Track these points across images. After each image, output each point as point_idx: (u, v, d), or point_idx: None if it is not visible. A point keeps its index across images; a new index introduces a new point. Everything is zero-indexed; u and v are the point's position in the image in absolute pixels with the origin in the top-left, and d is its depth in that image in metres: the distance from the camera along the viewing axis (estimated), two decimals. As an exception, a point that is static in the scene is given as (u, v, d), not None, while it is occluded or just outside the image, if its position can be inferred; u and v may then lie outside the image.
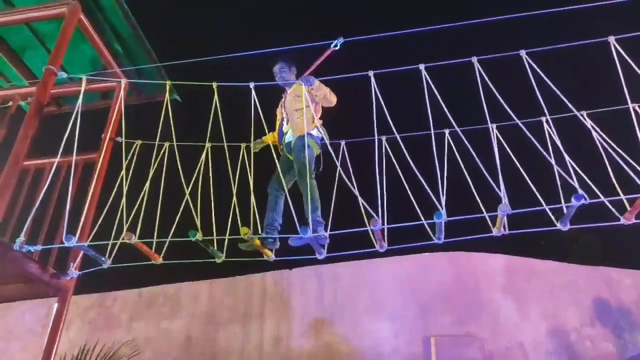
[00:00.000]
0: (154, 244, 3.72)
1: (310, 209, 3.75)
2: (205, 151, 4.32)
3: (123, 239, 3.51)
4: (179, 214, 3.81)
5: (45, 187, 3.86)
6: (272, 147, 4.45)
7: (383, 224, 3.17)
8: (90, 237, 3.70)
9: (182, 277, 7.58)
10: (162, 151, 4.30)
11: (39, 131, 3.87)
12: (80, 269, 4.01)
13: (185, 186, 3.79)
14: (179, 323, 7.33)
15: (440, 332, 6.47)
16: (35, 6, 4.41)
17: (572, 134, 3.80)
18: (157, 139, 4.21)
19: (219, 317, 7.26)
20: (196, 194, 3.85)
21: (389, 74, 3.68)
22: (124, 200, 3.76)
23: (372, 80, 3.61)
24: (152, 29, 5.09)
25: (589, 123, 3.65)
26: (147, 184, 4.01)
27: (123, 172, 4.02)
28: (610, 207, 3.11)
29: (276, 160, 4.16)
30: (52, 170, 3.83)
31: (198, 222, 3.61)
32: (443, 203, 3.11)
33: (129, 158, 4.21)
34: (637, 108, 3.44)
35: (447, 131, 4.06)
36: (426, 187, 3.14)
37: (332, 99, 4.15)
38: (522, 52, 3.55)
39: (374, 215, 3.13)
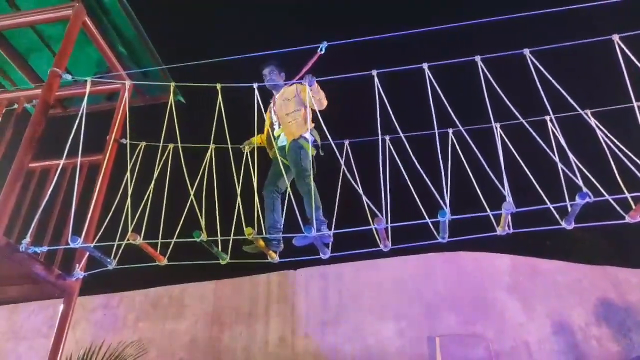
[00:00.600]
0: (159, 244, 3.74)
1: (312, 209, 3.76)
2: (209, 152, 4.34)
3: (128, 239, 3.53)
4: (184, 215, 3.83)
5: (51, 188, 3.89)
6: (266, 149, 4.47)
7: (387, 223, 3.17)
8: (96, 238, 3.72)
9: (187, 277, 7.60)
10: (167, 152, 4.32)
11: (44, 133, 3.89)
12: (85, 270, 4.03)
13: (190, 187, 3.80)
14: (184, 323, 7.35)
15: (445, 332, 6.46)
16: (41, 9, 4.44)
17: (577, 132, 3.79)
18: (162, 140, 4.23)
19: (224, 317, 7.27)
20: (200, 195, 3.86)
21: (392, 73, 3.68)
22: (128, 201, 3.78)
23: (376, 79, 3.61)
24: (156, 30, 5.11)
25: (593, 121, 3.64)
26: (152, 185, 4.03)
27: (128, 173, 4.04)
28: (615, 205, 3.09)
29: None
30: (58, 172, 3.86)
31: (203, 223, 3.62)
32: (447, 202, 3.11)
33: (133, 159, 4.23)
34: (641, 106, 3.43)
35: (450, 130, 4.06)
36: (430, 185, 3.14)
37: (324, 103, 4.15)
38: (526, 51, 3.54)
39: (378, 214, 3.13)
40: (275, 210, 4.17)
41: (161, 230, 3.77)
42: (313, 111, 4.23)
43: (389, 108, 3.52)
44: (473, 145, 3.43)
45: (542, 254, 7.29)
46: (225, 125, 3.92)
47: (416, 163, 3.34)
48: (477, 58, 3.60)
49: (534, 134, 3.38)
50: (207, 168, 4.05)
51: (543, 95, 3.41)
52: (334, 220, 3.65)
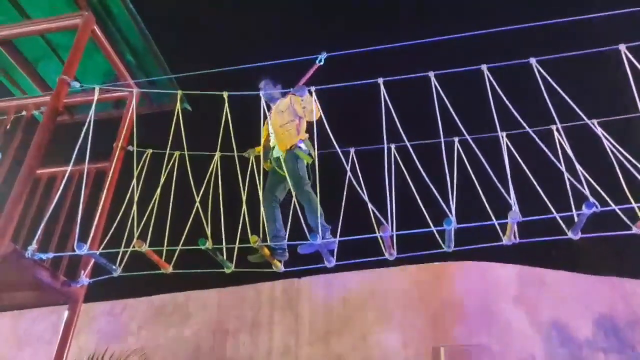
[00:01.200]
0: (164, 252, 3.74)
1: (316, 216, 3.76)
2: (214, 161, 4.35)
3: (134, 247, 3.54)
4: (189, 222, 3.84)
5: (58, 195, 3.91)
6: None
7: (392, 231, 3.16)
8: (102, 245, 3.73)
9: (191, 285, 7.59)
10: (173, 160, 4.34)
11: (52, 140, 3.92)
12: (90, 276, 4.03)
13: (195, 195, 3.81)
14: (188, 331, 7.33)
15: (450, 342, 6.41)
16: (50, 18, 4.49)
17: (583, 142, 3.78)
18: (168, 148, 4.25)
19: (227, 325, 7.25)
20: (206, 203, 3.87)
21: (398, 82, 3.69)
22: (134, 208, 3.79)
23: (382, 87, 3.62)
24: (164, 39, 5.16)
25: (599, 131, 3.63)
26: (158, 192, 4.05)
27: (134, 180, 4.06)
28: (622, 215, 3.07)
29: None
30: (65, 179, 3.88)
31: (208, 231, 3.62)
32: (453, 211, 3.10)
33: (140, 167, 4.25)
34: (648, 116, 3.42)
35: (456, 139, 4.06)
36: (436, 194, 3.13)
37: (317, 114, 4.16)
38: (532, 60, 3.54)
39: (384, 221, 3.12)
40: (276, 219, 4.18)
41: (166, 237, 3.78)
42: (307, 122, 4.25)
43: (395, 116, 3.52)
44: (479, 154, 3.42)
45: (548, 265, 7.24)
46: (232, 133, 3.94)
47: (422, 172, 3.34)
48: (484, 67, 3.60)
49: (540, 143, 3.37)
50: (213, 176, 4.06)
51: (550, 105, 3.41)
52: (339, 228, 3.63)
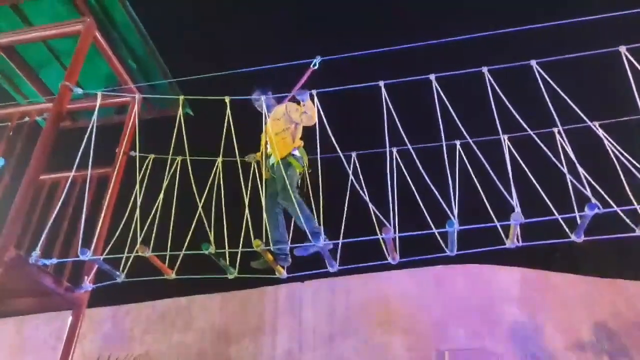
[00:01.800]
0: (167, 257, 3.75)
1: (304, 223, 3.78)
2: (216, 166, 4.36)
3: (137, 252, 3.54)
4: (192, 227, 3.84)
5: (61, 201, 3.92)
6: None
7: (395, 233, 3.16)
8: (106, 251, 3.74)
9: (194, 290, 7.59)
10: (175, 165, 4.35)
11: (54, 146, 3.93)
12: (94, 282, 4.04)
13: (198, 200, 3.81)
14: (191, 336, 7.32)
15: (454, 346, 6.39)
16: (52, 24, 4.51)
17: (585, 144, 3.78)
18: (170, 153, 4.26)
19: (231, 330, 7.24)
20: (208, 208, 3.88)
21: (400, 85, 3.70)
22: (137, 213, 3.80)
23: (383, 90, 3.63)
24: (166, 44, 5.18)
25: (601, 133, 3.63)
26: (160, 197, 4.05)
27: (137, 186, 4.07)
28: (624, 217, 3.07)
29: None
30: (67, 185, 3.89)
31: (211, 236, 3.63)
32: (455, 213, 3.10)
33: (142, 172, 4.26)
34: (650, 118, 3.42)
35: (458, 142, 4.06)
36: (438, 196, 3.13)
37: (314, 119, 4.17)
38: (533, 62, 3.54)
39: (386, 223, 3.12)
40: (279, 226, 4.18)
41: (169, 242, 3.78)
42: (305, 128, 4.27)
43: (396, 119, 3.53)
44: (482, 157, 3.42)
45: (552, 267, 7.22)
46: (234, 138, 3.94)
47: (424, 175, 3.34)
48: (485, 69, 3.61)
49: (542, 146, 3.37)
50: (216, 181, 4.06)
51: (551, 107, 3.41)
52: (342, 232, 3.63)
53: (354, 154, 4.38)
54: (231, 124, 3.95)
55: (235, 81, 4.36)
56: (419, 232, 3.21)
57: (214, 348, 7.15)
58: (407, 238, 3.29)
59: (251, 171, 4.34)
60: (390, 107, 3.55)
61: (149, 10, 4.96)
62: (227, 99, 4.02)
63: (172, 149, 4.19)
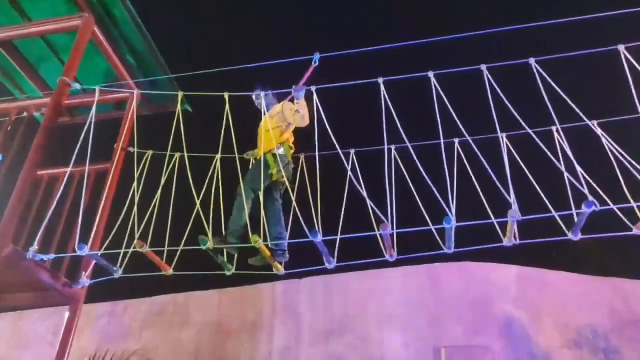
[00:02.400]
0: (165, 253, 3.75)
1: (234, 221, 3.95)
2: (215, 162, 4.36)
3: (134, 248, 3.54)
4: (190, 223, 3.84)
5: (58, 196, 3.91)
6: None
7: (392, 229, 3.16)
8: (103, 247, 3.73)
9: (192, 286, 7.60)
10: (173, 161, 4.35)
11: (52, 141, 3.93)
12: (91, 277, 4.04)
13: (196, 196, 3.81)
14: (188, 332, 7.33)
15: (451, 343, 6.41)
16: (50, 19, 4.50)
17: (583, 142, 3.79)
18: (169, 149, 4.26)
19: (228, 326, 7.25)
20: (206, 204, 3.87)
21: (398, 81, 3.69)
22: (135, 209, 3.80)
23: (382, 86, 3.62)
24: (164, 40, 5.17)
25: (599, 131, 3.63)
26: (158, 193, 4.05)
27: (135, 181, 4.07)
28: (621, 216, 3.08)
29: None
30: (65, 180, 3.89)
31: (210, 233, 3.62)
32: (453, 210, 3.10)
33: (140, 168, 4.25)
34: (647, 116, 3.42)
35: (456, 140, 4.06)
36: (436, 193, 3.13)
37: (306, 119, 4.18)
38: (532, 60, 3.54)
39: (384, 219, 3.12)
40: (277, 222, 4.18)
41: (167, 238, 3.78)
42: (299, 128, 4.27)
43: (395, 116, 3.52)
44: (480, 155, 3.42)
45: (549, 265, 7.24)
46: (233, 134, 3.94)
47: (423, 172, 3.34)
48: (483, 67, 3.60)
49: (540, 144, 3.37)
50: (215, 177, 4.06)
51: (549, 105, 3.41)
52: (339, 229, 3.63)
53: (352, 151, 4.38)
54: (230, 120, 3.94)
55: (234, 77, 4.35)
56: (417, 228, 3.21)
57: (211, 344, 7.16)
58: (405, 235, 3.29)
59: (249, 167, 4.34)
60: (389, 104, 3.55)
61: (147, 6, 4.95)
62: (225, 95, 4.02)
63: (170, 145, 4.18)
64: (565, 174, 3.28)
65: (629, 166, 3.30)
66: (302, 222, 3.29)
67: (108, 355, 5.19)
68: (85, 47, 4.35)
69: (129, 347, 6.32)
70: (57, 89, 4.12)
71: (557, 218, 3.12)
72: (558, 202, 3.25)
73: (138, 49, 4.97)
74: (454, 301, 6.75)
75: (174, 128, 4.03)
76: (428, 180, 3.26)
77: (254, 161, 4.55)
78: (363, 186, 3.52)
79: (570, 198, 3.23)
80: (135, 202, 3.87)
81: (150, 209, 3.93)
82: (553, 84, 3.41)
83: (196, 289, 7.68)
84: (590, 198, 2.95)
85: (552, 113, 3.47)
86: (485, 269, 7.01)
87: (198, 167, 4.18)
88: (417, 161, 3.44)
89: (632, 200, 3.07)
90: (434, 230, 3.23)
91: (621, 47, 3.40)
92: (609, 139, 3.56)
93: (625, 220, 3.07)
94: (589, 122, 3.61)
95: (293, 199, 3.79)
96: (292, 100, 4.31)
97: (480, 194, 3.57)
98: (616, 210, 3.03)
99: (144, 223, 3.77)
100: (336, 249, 3.49)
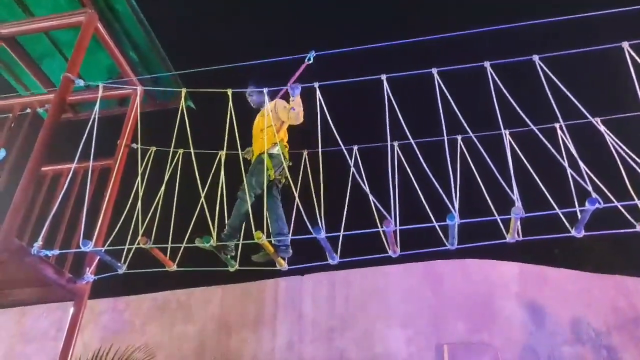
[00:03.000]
0: (169, 249, 3.76)
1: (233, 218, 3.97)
2: (218, 159, 4.37)
3: (138, 243, 3.56)
4: (193, 220, 3.85)
5: (62, 192, 3.93)
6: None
7: (396, 226, 3.16)
8: (107, 243, 3.75)
9: (195, 282, 7.62)
10: (177, 158, 4.36)
11: (56, 137, 3.94)
12: (95, 273, 4.06)
13: (201, 191, 3.82)
14: (191, 328, 7.36)
15: (453, 340, 6.42)
16: (54, 15, 4.51)
17: (586, 139, 3.78)
18: (172, 145, 4.27)
19: (231, 322, 7.28)
20: (210, 201, 3.88)
21: (402, 79, 3.69)
22: (139, 205, 3.81)
23: (385, 83, 3.62)
24: (167, 36, 5.17)
25: (602, 129, 3.63)
26: (162, 190, 4.06)
27: (138, 178, 4.08)
28: (625, 213, 3.08)
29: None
30: (69, 176, 3.90)
31: (215, 231, 3.63)
32: (456, 207, 3.10)
33: (144, 164, 4.26)
34: (652, 113, 3.42)
35: (459, 137, 4.06)
36: (440, 190, 3.14)
37: (300, 118, 4.18)
38: (535, 57, 3.53)
39: (387, 216, 3.13)
40: (279, 218, 4.19)
41: (171, 235, 3.79)
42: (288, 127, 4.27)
43: (398, 113, 3.52)
44: (483, 152, 3.42)
45: (551, 263, 7.24)
46: (236, 131, 3.95)
47: (426, 169, 3.34)
48: (487, 64, 3.60)
49: (544, 141, 3.37)
50: (221, 173, 4.06)
51: (553, 103, 3.40)
52: (343, 226, 3.64)
53: (355, 148, 4.38)
54: (233, 116, 3.95)
55: (237, 74, 4.36)
56: (420, 225, 3.22)
57: (214, 340, 7.18)
58: (408, 232, 3.29)
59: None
60: (392, 100, 3.55)
61: (151, 2, 4.94)
62: (229, 92, 4.02)
63: (173, 141, 4.19)
64: (569, 171, 3.27)
65: (632, 163, 3.29)
66: (306, 218, 3.29)
67: (112, 351, 5.20)
68: (88, 43, 4.36)
69: (132, 342, 6.34)
70: (60, 85, 4.13)
71: (561, 215, 3.12)
72: (561, 199, 3.25)
73: (141, 45, 4.96)
74: (456, 298, 6.76)
75: (177, 124, 4.04)
76: (431, 177, 3.26)
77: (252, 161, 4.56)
78: (366, 183, 3.53)
79: (574, 195, 3.23)
80: (139, 198, 3.88)
81: (154, 205, 3.94)
82: (557, 81, 3.41)
83: (199, 285, 7.70)
84: (594, 195, 2.95)
85: (556, 110, 3.46)
86: (488, 266, 7.02)
87: (201, 164, 4.20)
88: (420, 158, 3.44)
89: (635, 198, 3.07)
90: (437, 227, 3.23)
91: (625, 45, 3.40)
92: (613, 136, 3.56)
93: (629, 217, 3.07)
94: (593, 120, 3.60)
95: (296, 195, 3.80)
96: (285, 97, 4.29)
97: (484, 191, 3.56)
98: (620, 207, 3.03)
99: (147, 219, 3.78)
100: (339, 246, 3.50)
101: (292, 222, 4.17)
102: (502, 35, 3.67)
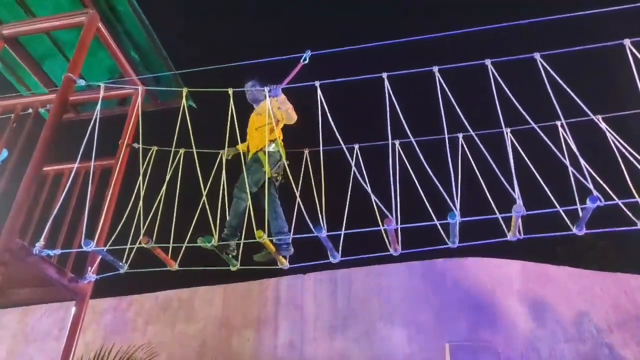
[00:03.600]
0: (170, 248, 3.77)
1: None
2: (219, 158, 4.37)
3: (140, 243, 3.56)
4: (195, 219, 3.86)
5: (64, 192, 3.94)
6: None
7: (397, 224, 3.16)
8: (109, 242, 3.75)
9: (197, 281, 7.63)
10: (178, 157, 4.36)
11: (57, 137, 3.95)
12: (97, 273, 4.06)
13: (203, 191, 3.82)
14: (193, 327, 7.37)
15: (455, 339, 6.42)
16: (55, 16, 4.51)
17: (588, 137, 3.78)
18: (173, 145, 4.27)
19: (232, 321, 7.29)
20: (211, 200, 3.89)
21: (403, 77, 3.69)
22: (140, 205, 3.81)
23: (386, 82, 3.62)
24: (169, 36, 5.17)
25: (604, 126, 3.62)
26: (164, 189, 4.07)
27: (140, 177, 4.08)
28: (626, 211, 3.07)
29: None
30: (71, 176, 3.91)
31: (217, 232, 3.64)
32: (457, 205, 3.10)
33: (145, 164, 4.27)
34: (653, 111, 3.41)
35: (460, 135, 4.05)
36: (440, 188, 3.13)
37: (293, 116, 4.19)
38: (537, 55, 3.53)
39: (388, 214, 3.13)
40: (278, 217, 4.20)
41: (172, 234, 3.80)
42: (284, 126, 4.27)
43: (399, 111, 3.52)
44: (484, 150, 3.42)
45: (553, 261, 7.23)
46: (237, 130, 3.95)
47: (427, 167, 3.34)
48: (488, 62, 3.59)
49: (545, 139, 3.36)
50: (222, 172, 4.06)
51: (554, 100, 3.40)
52: (344, 224, 3.64)
53: (356, 146, 4.38)
54: (234, 116, 3.95)
55: (238, 73, 4.36)
56: (421, 224, 3.22)
57: (216, 339, 7.19)
58: (409, 230, 3.29)
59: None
60: (393, 99, 3.55)
61: (152, 2, 4.95)
62: (230, 91, 4.02)
63: (175, 141, 4.20)
64: (570, 169, 3.27)
65: (633, 161, 3.29)
66: (307, 217, 3.29)
67: (114, 350, 5.21)
68: (90, 43, 4.36)
69: (134, 342, 6.35)
70: (62, 85, 4.13)
71: (562, 213, 3.12)
72: (563, 197, 3.25)
73: (142, 45, 4.98)
74: (458, 297, 6.76)
75: (178, 124, 4.04)
76: (432, 176, 3.26)
77: (229, 157, 4.57)
78: (367, 181, 3.52)
79: (575, 193, 3.22)
80: (141, 198, 3.88)
81: (156, 204, 3.95)
82: (558, 79, 3.40)
83: (201, 284, 7.72)
84: (595, 193, 2.94)
85: (557, 108, 3.45)
86: (489, 265, 7.02)
87: (202, 163, 4.20)
88: (421, 156, 3.44)
89: (637, 195, 3.07)
90: (438, 226, 3.23)
91: (627, 42, 3.39)
92: (614, 134, 3.55)
93: (630, 214, 3.06)
94: (594, 117, 3.59)
95: (297, 194, 3.80)
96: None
97: (485, 189, 3.56)
98: (621, 205, 3.02)
99: (149, 219, 3.78)
100: (340, 244, 3.50)
101: (294, 221, 4.17)
102: (503, 33, 3.67)
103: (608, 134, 3.57)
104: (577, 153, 3.28)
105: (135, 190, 3.99)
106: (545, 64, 3.47)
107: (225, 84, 4.09)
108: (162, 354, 6.99)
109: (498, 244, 3.35)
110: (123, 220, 3.84)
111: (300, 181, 4.25)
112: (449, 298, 6.77)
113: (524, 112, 3.43)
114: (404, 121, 3.53)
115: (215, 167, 4.25)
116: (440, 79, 3.58)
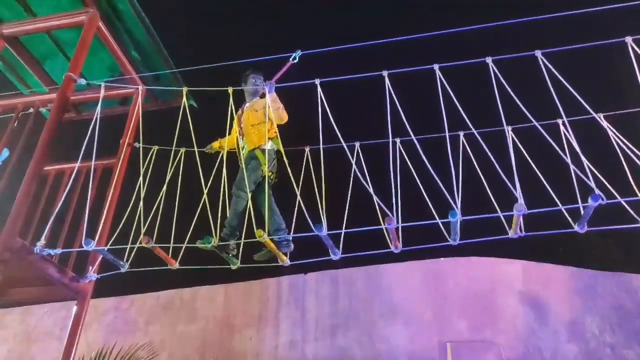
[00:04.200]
0: (171, 248, 3.76)
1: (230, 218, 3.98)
2: (220, 157, 4.36)
3: (141, 242, 3.56)
4: (195, 218, 3.85)
5: (65, 191, 3.93)
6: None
7: (398, 223, 3.15)
8: (110, 242, 3.75)
9: (198, 281, 7.63)
10: (179, 156, 4.36)
11: (58, 137, 3.94)
12: (98, 272, 4.06)
13: (204, 189, 3.82)
14: (194, 327, 7.37)
15: (456, 338, 6.41)
16: (56, 15, 4.52)
17: (589, 135, 3.76)
18: (174, 144, 4.27)
19: (234, 321, 7.29)
20: (212, 199, 3.88)
21: (403, 75, 3.68)
22: (141, 204, 3.81)
23: (387, 80, 3.61)
24: (169, 35, 5.17)
25: (605, 124, 3.61)
26: (164, 188, 4.07)
27: (141, 177, 4.08)
28: (628, 209, 3.06)
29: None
30: (72, 175, 3.91)
31: (218, 230, 3.63)
32: (458, 203, 3.09)
33: (146, 163, 4.27)
34: (655, 109, 3.40)
35: (461, 133, 4.05)
36: (441, 186, 3.12)
37: (284, 116, 4.18)
38: (538, 53, 3.52)
39: (389, 213, 3.12)
40: (274, 214, 4.19)
41: (173, 233, 3.80)
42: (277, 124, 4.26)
43: (400, 109, 3.51)
44: (485, 148, 3.40)
45: (554, 260, 7.22)
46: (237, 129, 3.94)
47: (428, 165, 3.33)
48: (489, 60, 3.58)
49: (547, 137, 3.35)
50: (223, 171, 4.06)
51: (555, 98, 3.39)
52: (345, 222, 3.63)
53: (357, 144, 4.37)
54: (234, 115, 3.95)
55: (238, 72, 4.35)
56: (422, 222, 3.21)
57: (217, 338, 7.20)
58: (410, 229, 3.28)
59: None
60: (394, 97, 3.54)
61: (152, 1, 4.95)
62: (230, 90, 4.02)
63: (175, 140, 4.19)
64: (572, 167, 3.25)
65: (635, 159, 3.28)
66: (307, 216, 3.29)
67: (115, 350, 5.21)
68: (90, 42, 4.36)
69: (136, 341, 6.35)
70: (63, 84, 4.13)
71: (564, 211, 3.11)
72: (564, 195, 3.24)
73: (143, 44, 4.97)
74: (459, 296, 6.75)
75: (179, 123, 4.04)
76: (433, 174, 3.25)
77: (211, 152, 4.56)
78: (368, 179, 3.52)
79: (577, 191, 3.21)
80: (141, 197, 3.88)
81: (156, 203, 3.95)
82: (559, 77, 3.39)
83: (202, 284, 7.72)
84: (597, 191, 2.93)
85: (559, 106, 3.44)
86: (491, 264, 7.00)
87: (203, 162, 4.20)
88: (422, 154, 3.43)
89: (638, 193, 3.06)
90: (440, 224, 3.22)
91: (629, 40, 3.37)
92: (616, 132, 3.54)
93: (632, 212, 3.05)
94: (596, 115, 3.58)
95: (297, 192, 3.79)
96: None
97: (486, 187, 3.55)
98: (623, 203, 3.01)
99: (150, 218, 3.78)
100: (341, 242, 3.50)
101: (294, 220, 4.16)
102: (504, 31, 3.65)
103: (610, 132, 3.56)
104: (579, 151, 3.26)
105: (136, 190, 3.99)
106: (546, 62, 3.46)
107: (226, 82, 4.08)
108: (164, 353, 7.00)
109: (499, 244, 3.34)
110: (124, 219, 3.83)
111: (301, 179, 4.24)
112: (450, 297, 6.76)
113: (525, 110, 3.42)
114: (404, 119, 3.51)
115: (216, 166, 4.24)
116: (441, 77, 3.57)
